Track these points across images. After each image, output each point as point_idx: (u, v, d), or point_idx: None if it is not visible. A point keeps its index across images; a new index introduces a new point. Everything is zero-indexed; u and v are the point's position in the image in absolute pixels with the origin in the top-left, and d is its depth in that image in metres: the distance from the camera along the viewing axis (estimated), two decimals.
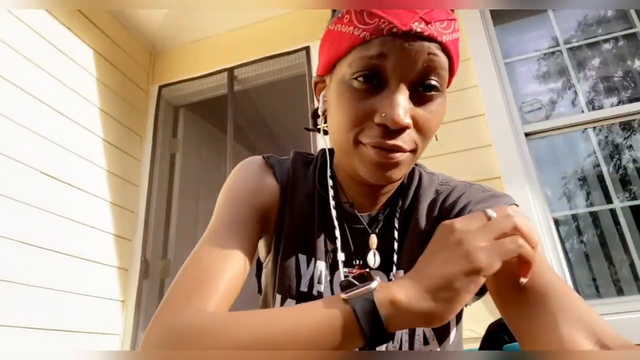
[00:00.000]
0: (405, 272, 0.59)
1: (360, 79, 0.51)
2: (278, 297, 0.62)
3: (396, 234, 0.62)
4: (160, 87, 2.79)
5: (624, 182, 1.94)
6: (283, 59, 2.57)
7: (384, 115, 0.49)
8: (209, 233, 0.58)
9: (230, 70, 2.68)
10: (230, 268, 0.53)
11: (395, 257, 0.60)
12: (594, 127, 2.03)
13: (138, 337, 2.26)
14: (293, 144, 3.21)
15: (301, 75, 2.53)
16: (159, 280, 2.48)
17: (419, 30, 0.48)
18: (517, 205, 0.59)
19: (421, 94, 0.51)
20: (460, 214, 0.59)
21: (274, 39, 2.62)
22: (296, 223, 0.64)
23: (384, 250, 0.61)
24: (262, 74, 2.65)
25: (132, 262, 2.40)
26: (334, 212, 0.63)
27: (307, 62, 2.48)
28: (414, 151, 0.53)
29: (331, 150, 0.70)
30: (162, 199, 2.64)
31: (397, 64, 0.49)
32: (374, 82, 0.51)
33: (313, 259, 0.62)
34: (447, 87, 0.55)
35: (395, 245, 0.61)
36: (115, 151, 2.43)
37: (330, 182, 0.65)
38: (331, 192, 0.64)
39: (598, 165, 1.98)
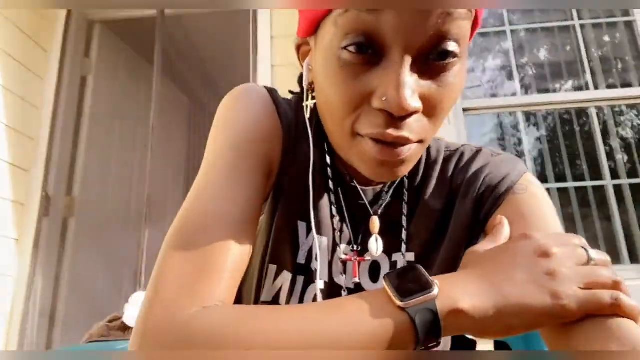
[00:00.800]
0: (416, 256, 0.55)
1: (352, 48, 0.39)
2: (272, 267, 0.55)
3: (404, 212, 0.56)
4: None
5: (555, 164, 2.13)
6: None
7: (384, 99, 0.38)
8: (207, 181, 0.46)
9: None
10: (240, 235, 0.43)
11: (404, 235, 0.55)
12: (528, 112, 2.17)
13: (35, 279, 2.03)
14: (229, 85, 2.98)
15: (244, 11, 2.31)
16: (62, 219, 2.22)
17: None
18: (529, 173, 0.55)
19: (433, 64, 0.40)
20: (470, 184, 0.54)
21: None
22: (298, 184, 0.53)
23: (388, 230, 0.56)
24: (200, 1, 2.37)
25: (30, 197, 2.10)
26: (331, 184, 0.55)
27: None
28: (422, 141, 0.43)
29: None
30: (69, 127, 2.31)
31: (398, 23, 0.37)
32: (369, 51, 0.39)
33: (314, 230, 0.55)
34: (469, 42, 0.43)
35: (404, 222, 0.56)
36: (14, 64, 2.04)
37: (324, 151, 0.56)
38: (328, 160, 0.55)
39: (520, 145, 2.14)
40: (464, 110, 2.08)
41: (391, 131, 0.40)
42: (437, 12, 0.37)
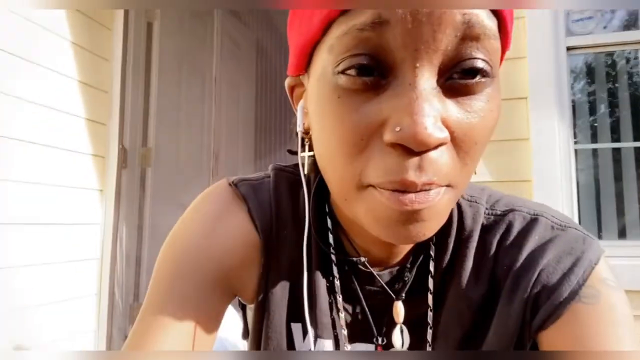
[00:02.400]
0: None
1: (351, 71, 0.31)
2: None
3: (430, 300, 0.44)
4: None
5: None
6: None
7: (398, 129, 0.29)
8: (146, 320, 0.41)
9: None
10: None
11: (429, 335, 0.44)
12: None
13: (119, 227, 2.18)
14: None
15: None
16: (140, 169, 2.32)
17: None
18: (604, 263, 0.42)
19: (458, 85, 0.31)
20: (521, 276, 0.40)
21: None
22: (285, 281, 0.46)
23: (412, 320, 0.45)
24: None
25: (109, 149, 2.20)
26: (335, 270, 0.46)
27: None
28: (452, 185, 0.33)
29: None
30: (139, 78, 2.33)
31: (408, 34, 0.29)
32: (374, 74, 0.31)
33: (311, 330, 0.46)
34: (499, 65, 0.35)
35: (430, 318, 0.44)
36: (81, 18, 2.03)
37: (329, 225, 0.46)
38: (331, 239, 0.46)
39: (637, 92, 1.76)
40: (568, 49, 1.72)
41: (411, 175, 0.30)
42: (456, 16, 0.29)
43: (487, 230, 0.44)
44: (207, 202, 0.47)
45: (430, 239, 0.44)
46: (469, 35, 0.30)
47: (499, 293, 0.42)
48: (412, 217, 0.32)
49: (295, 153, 0.49)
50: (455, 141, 0.32)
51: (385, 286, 0.45)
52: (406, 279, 0.45)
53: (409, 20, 0.29)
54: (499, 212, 0.44)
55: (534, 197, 1.62)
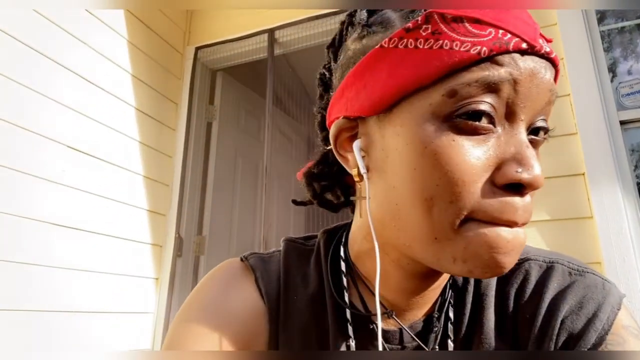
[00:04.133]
0: None
1: (472, 116, 0.34)
2: None
3: (451, 348, 0.44)
4: (197, 49, 2.57)
5: None
6: (330, 19, 2.27)
7: (518, 170, 0.33)
8: None
9: (271, 31, 2.41)
10: None
11: None
12: None
13: (171, 316, 2.19)
14: None
15: None
16: (193, 257, 2.38)
17: (547, 49, 0.35)
18: (625, 308, 0.42)
19: (534, 140, 0.37)
20: (545, 327, 0.41)
21: None
22: (297, 345, 0.46)
23: None
24: (306, 37, 2.36)
25: (167, 239, 2.30)
26: (351, 330, 0.45)
27: None
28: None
29: (336, 231, 0.51)
30: (198, 172, 2.50)
31: (527, 94, 0.34)
32: (489, 121, 0.34)
33: None
34: None
35: None
36: (149, 120, 2.27)
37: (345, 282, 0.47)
38: (346, 297, 0.46)
39: None
40: (622, 123, 1.66)
41: (519, 215, 0.34)
42: (549, 85, 0.35)
43: (504, 281, 0.45)
44: (215, 275, 0.49)
45: (446, 286, 0.46)
46: (551, 101, 0.36)
47: (525, 344, 0.42)
48: (508, 249, 0.34)
49: (300, 203, 0.52)
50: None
51: (417, 339, 0.44)
52: (434, 329, 0.45)
53: (531, 81, 0.34)
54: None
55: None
